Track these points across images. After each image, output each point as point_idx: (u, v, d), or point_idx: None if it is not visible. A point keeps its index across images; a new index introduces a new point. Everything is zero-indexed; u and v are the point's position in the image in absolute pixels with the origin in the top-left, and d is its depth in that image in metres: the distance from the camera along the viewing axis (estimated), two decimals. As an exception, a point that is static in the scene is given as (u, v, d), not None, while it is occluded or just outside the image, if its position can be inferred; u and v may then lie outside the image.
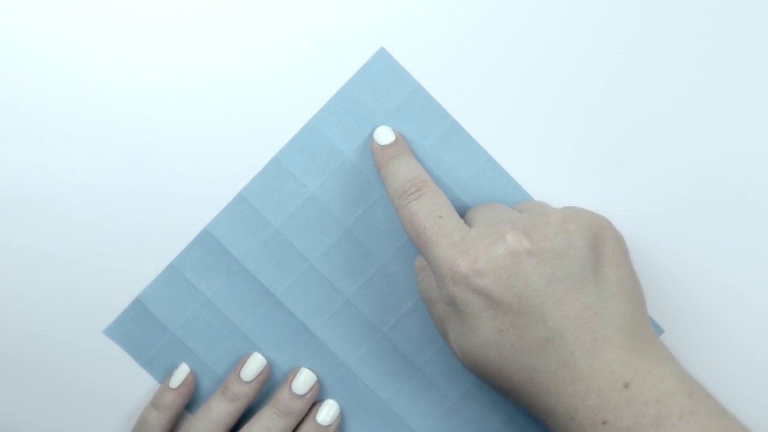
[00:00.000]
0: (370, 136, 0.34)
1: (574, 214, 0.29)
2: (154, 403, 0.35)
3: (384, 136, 0.33)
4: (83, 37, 0.34)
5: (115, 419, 0.37)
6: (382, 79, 0.34)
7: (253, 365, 0.35)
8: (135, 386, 0.36)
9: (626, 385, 0.26)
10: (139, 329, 0.36)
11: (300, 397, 0.34)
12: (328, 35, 0.34)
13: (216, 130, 0.35)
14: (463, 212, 0.34)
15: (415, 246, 0.30)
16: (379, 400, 0.35)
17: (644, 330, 0.28)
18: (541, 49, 0.34)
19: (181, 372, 0.35)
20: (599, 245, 0.28)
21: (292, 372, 0.35)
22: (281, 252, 0.35)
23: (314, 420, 0.34)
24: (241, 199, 0.35)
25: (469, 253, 0.27)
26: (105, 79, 0.35)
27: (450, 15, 0.34)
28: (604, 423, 0.26)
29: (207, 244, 0.35)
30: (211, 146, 0.35)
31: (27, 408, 0.36)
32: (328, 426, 0.34)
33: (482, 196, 0.34)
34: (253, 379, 0.34)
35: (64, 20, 0.34)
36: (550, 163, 0.34)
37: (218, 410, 0.34)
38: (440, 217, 0.29)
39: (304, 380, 0.35)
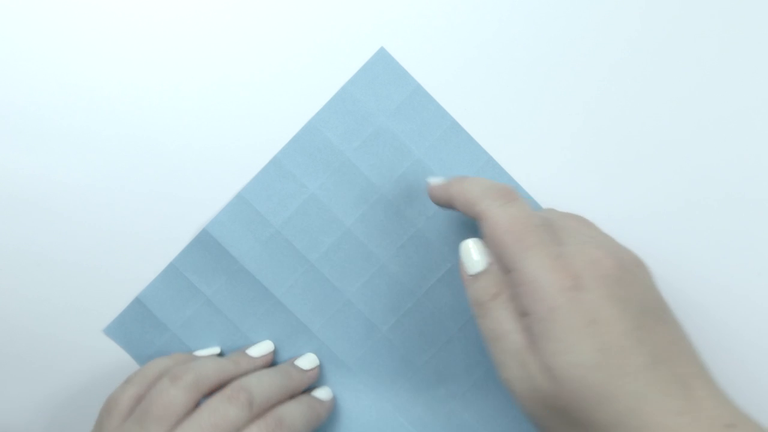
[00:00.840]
0: (371, 135, 0.34)
1: (634, 255, 0.29)
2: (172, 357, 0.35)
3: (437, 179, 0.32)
4: (83, 37, 0.34)
5: (115, 419, 0.37)
6: (382, 79, 0.34)
7: (262, 346, 0.35)
8: (135, 386, 0.36)
9: (730, 426, 0.24)
10: (139, 329, 0.36)
11: (302, 371, 0.34)
12: (328, 35, 0.34)
13: (216, 130, 0.35)
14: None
15: (506, 252, 0.27)
16: (379, 400, 0.35)
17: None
18: (541, 49, 0.34)
19: (213, 350, 0.36)
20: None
21: (297, 355, 0.36)
22: (281, 252, 0.35)
23: (311, 393, 0.34)
24: (240, 199, 0.35)
25: (572, 267, 0.26)
26: (105, 79, 0.35)
27: (450, 15, 0.34)
28: None
29: (207, 244, 0.35)
30: (211, 146, 0.35)
31: (27, 408, 0.36)
32: (324, 402, 0.34)
33: (482, 196, 0.34)
34: (258, 357, 0.34)
35: (64, 20, 0.34)
36: (550, 163, 0.34)
37: (221, 362, 0.33)
38: (538, 226, 0.28)
39: (308, 359, 0.35)
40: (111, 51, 0.35)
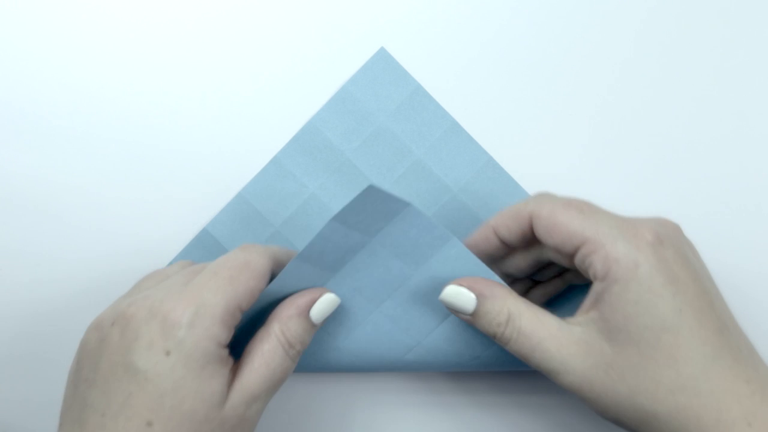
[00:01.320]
0: (371, 135, 0.34)
1: None
2: None
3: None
4: (84, 38, 0.35)
5: (115, 419, 0.36)
6: (382, 79, 0.34)
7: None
8: (135, 386, 0.36)
9: None
10: (139, 329, 0.36)
11: None
12: (328, 35, 0.34)
13: (216, 130, 0.35)
14: (462, 213, 0.34)
15: (573, 226, 0.26)
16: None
17: None
18: (541, 49, 0.34)
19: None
20: None
21: None
22: (281, 252, 0.35)
23: None
24: (240, 199, 0.35)
25: (647, 225, 0.26)
26: (106, 79, 0.35)
27: (450, 15, 0.34)
28: None
29: (207, 244, 0.35)
30: (211, 146, 0.35)
31: (27, 408, 0.36)
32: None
33: (482, 196, 0.34)
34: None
35: (65, 21, 0.34)
36: (550, 163, 0.34)
37: None
38: (592, 203, 0.27)
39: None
40: (112, 51, 0.35)
